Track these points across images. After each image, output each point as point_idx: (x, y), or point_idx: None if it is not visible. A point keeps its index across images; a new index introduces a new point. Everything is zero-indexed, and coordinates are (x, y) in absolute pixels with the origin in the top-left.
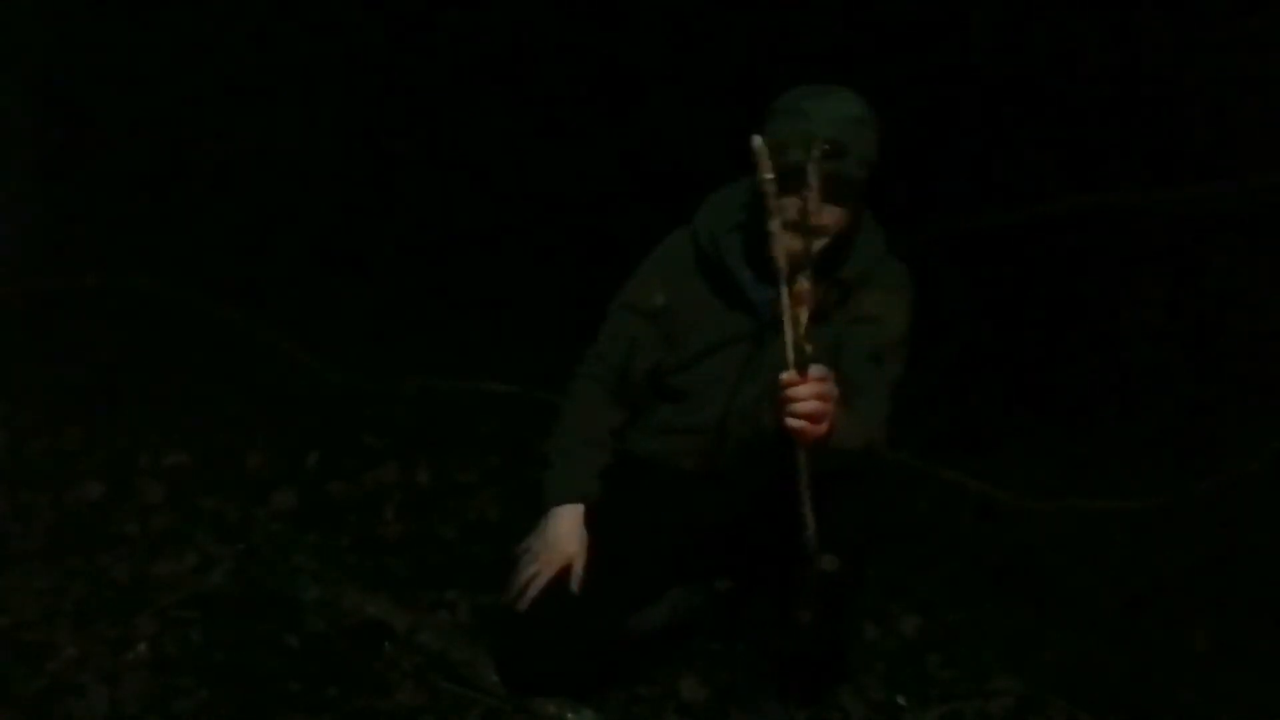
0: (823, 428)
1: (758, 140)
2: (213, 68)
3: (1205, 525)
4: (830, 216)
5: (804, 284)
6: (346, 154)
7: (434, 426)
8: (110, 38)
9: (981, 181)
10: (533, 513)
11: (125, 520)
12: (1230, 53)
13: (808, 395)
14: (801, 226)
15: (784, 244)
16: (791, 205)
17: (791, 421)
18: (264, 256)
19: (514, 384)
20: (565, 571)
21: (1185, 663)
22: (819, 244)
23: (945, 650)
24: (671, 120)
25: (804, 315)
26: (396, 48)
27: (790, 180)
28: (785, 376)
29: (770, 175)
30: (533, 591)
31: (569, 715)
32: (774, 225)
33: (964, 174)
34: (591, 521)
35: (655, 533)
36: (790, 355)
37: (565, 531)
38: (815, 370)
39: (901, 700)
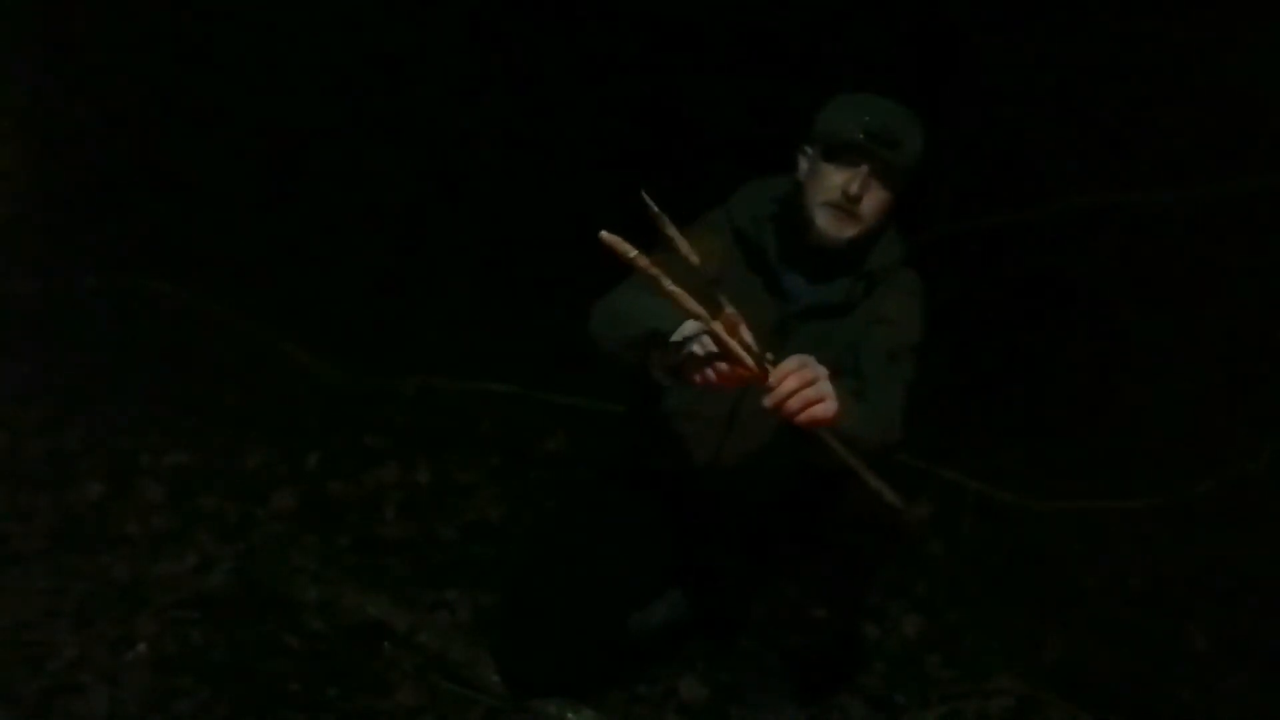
0: (830, 406)
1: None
2: (214, 68)
3: (1205, 525)
4: (873, 202)
5: (728, 310)
6: (346, 154)
7: (434, 426)
8: (111, 37)
9: (982, 181)
10: (535, 510)
11: (125, 520)
12: (1232, 53)
13: (794, 388)
14: (843, 208)
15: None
16: (834, 187)
17: (800, 418)
18: (264, 257)
19: (514, 384)
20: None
21: (1185, 663)
22: (853, 231)
23: (945, 650)
24: (671, 122)
25: (746, 333)
26: (398, 47)
27: (841, 156)
28: (765, 400)
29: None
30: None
31: (569, 715)
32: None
33: (964, 174)
34: (594, 519)
35: (657, 532)
36: (764, 370)
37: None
38: (787, 364)
39: (901, 700)
